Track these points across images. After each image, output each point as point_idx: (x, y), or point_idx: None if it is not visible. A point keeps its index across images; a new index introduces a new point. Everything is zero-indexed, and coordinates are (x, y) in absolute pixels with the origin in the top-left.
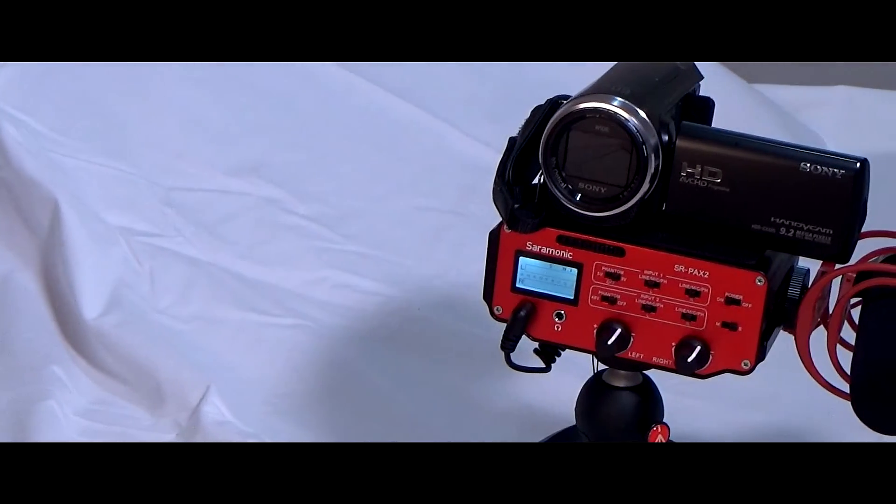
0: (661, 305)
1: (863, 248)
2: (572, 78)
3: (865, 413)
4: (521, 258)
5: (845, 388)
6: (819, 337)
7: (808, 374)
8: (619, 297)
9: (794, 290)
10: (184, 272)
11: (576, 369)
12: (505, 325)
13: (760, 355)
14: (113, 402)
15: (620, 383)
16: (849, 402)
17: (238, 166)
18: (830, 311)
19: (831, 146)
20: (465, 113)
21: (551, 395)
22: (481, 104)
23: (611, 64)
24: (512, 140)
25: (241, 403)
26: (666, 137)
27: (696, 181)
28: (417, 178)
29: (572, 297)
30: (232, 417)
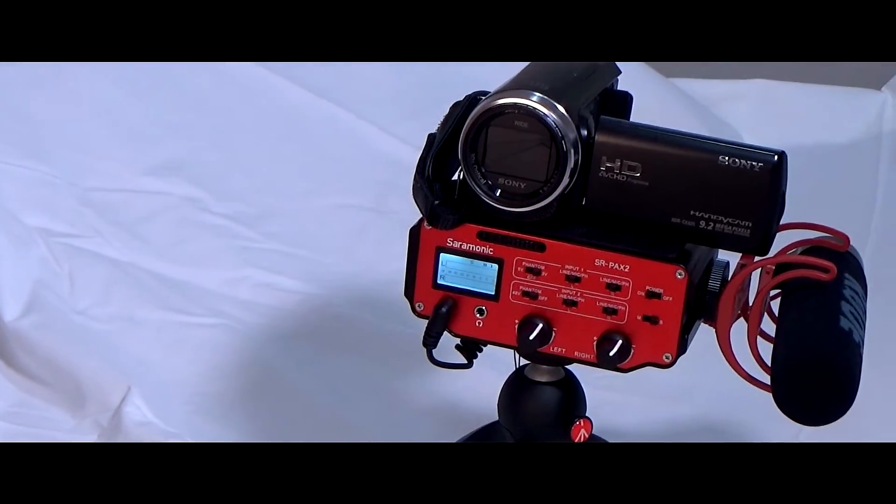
0: (582, 300)
1: (782, 240)
2: (490, 76)
3: (786, 404)
4: (441, 254)
5: (766, 379)
6: (739, 329)
7: (729, 366)
8: (540, 292)
9: (714, 283)
10: (103, 273)
11: (498, 365)
12: (426, 321)
13: (682, 348)
14: (33, 405)
15: (542, 378)
16: (770, 394)
17: (157, 166)
18: (750, 304)
19: (748, 139)
20: (384, 110)
21: (473, 390)
22: (400, 102)
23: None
24: (431, 137)
25: (163, 404)
26: (585, 132)
27: (615, 175)
28: (337, 176)
29: (493, 293)
30: (154, 418)
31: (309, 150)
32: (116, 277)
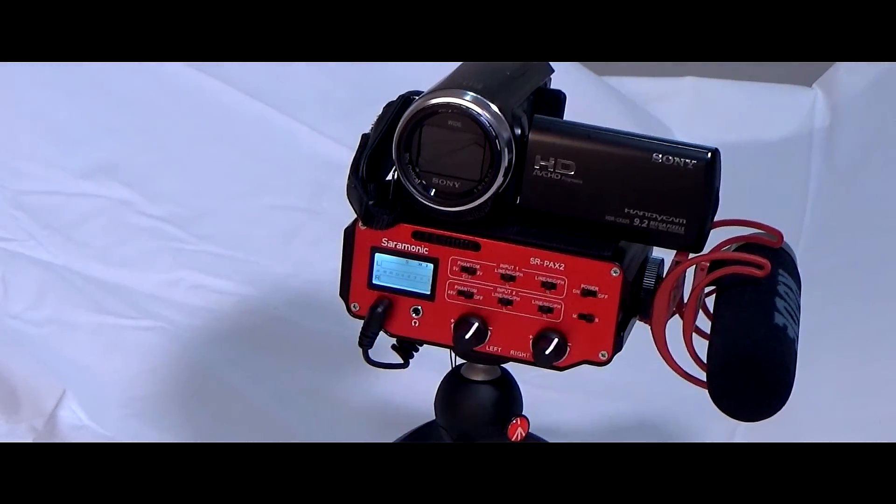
0: (518, 299)
1: (716, 237)
2: (423, 75)
3: (722, 400)
4: (376, 254)
5: (702, 376)
6: (675, 326)
7: (664, 363)
8: (475, 291)
9: (649, 281)
10: (36, 276)
11: (434, 364)
12: (362, 321)
13: (617, 346)
14: None
15: (479, 377)
16: (706, 390)
17: (89, 168)
18: (685, 301)
19: (680, 137)
20: (316, 111)
21: (410, 390)
22: (333, 102)
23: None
24: (365, 137)
25: (99, 407)
26: (519, 131)
27: (549, 174)
28: (271, 177)
29: (429, 293)
30: (89, 421)
31: (242, 151)
32: (50, 281)
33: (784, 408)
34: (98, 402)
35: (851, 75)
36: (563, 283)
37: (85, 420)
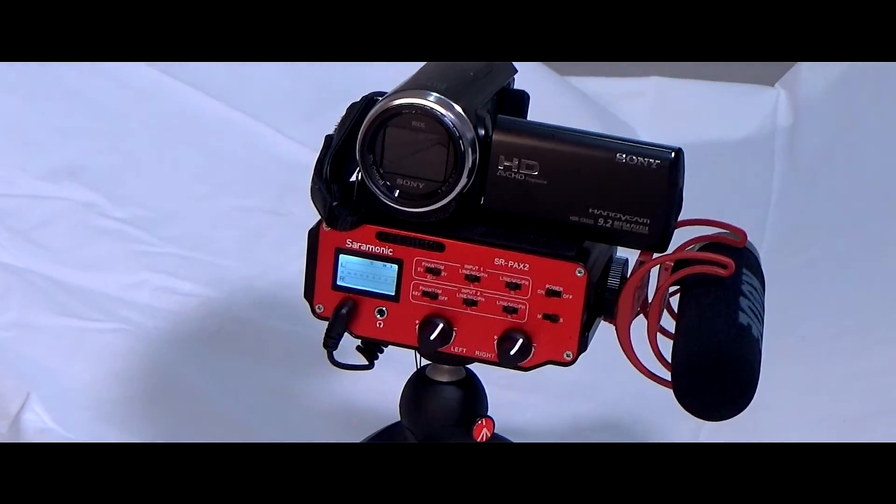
0: (483, 299)
1: (680, 236)
2: (387, 76)
3: (686, 400)
4: (340, 256)
5: (667, 375)
6: (640, 326)
7: (629, 363)
8: (440, 292)
9: (613, 281)
10: (0, 279)
11: (399, 365)
12: (327, 323)
13: (582, 346)
14: None
15: (444, 378)
16: (670, 390)
17: (52, 170)
18: (650, 301)
19: (644, 136)
20: (280, 112)
21: (375, 391)
22: (296, 103)
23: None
24: (328, 138)
25: (63, 410)
26: (482, 131)
27: (513, 174)
28: (235, 179)
29: (393, 294)
30: (54, 425)
31: (205, 153)
32: (13, 284)
33: (749, 407)
34: (62, 405)
35: (813, 75)
36: (527, 283)
37: (49, 423)
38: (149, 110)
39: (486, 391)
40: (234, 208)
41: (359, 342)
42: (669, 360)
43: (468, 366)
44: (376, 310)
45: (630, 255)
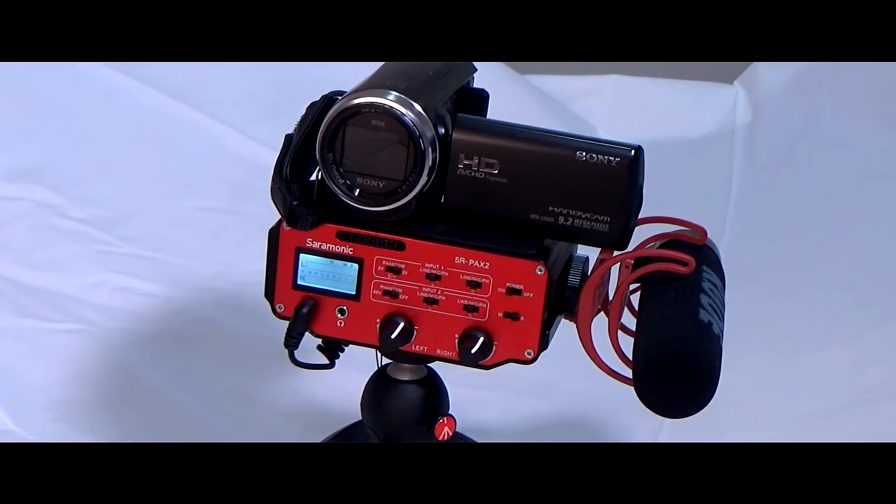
0: (444, 298)
1: (640, 234)
2: (346, 75)
3: (648, 397)
4: (301, 255)
5: (628, 373)
6: (601, 324)
7: (590, 361)
8: (400, 290)
9: (573, 279)
10: None
11: (360, 364)
12: (287, 322)
13: (543, 344)
14: None
15: (405, 377)
16: (632, 388)
17: (11, 171)
18: (611, 298)
19: (603, 135)
20: (239, 112)
21: (336, 391)
22: (256, 103)
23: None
24: (288, 137)
25: (23, 411)
26: (442, 130)
27: (473, 173)
28: (194, 179)
29: (354, 293)
30: (14, 426)
31: (165, 153)
32: None
33: (710, 404)
34: (22, 407)
35: (772, 72)
36: (488, 281)
37: (9, 425)
38: (109, 111)
39: (448, 389)
40: (193, 208)
41: (319, 341)
42: (630, 358)
43: (429, 364)
44: (337, 309)
45: (590, 252)
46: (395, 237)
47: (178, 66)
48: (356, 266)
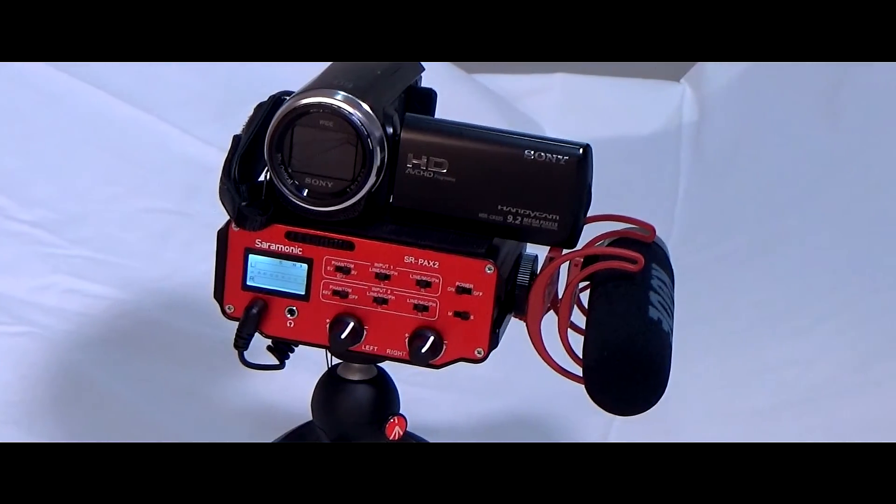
0: (393, 297)
1: (589, 232)
2: (294, 76)
3: (598, 395)
4: (250, 256)
5: (578, 371)
6: (550, 322)
7: (540, 359)
8: (350, 290)
9: (523, 277)
10: None
11: (310, 365)
12: (237, 323)
13: (493, 343)
14: None
15: (355, 377)
16: (582, 386)
17: None
18: (560, 297)
19: (551, 133)
20: (187, 113)
21: (287, 391)
22: (203, 104)
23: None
24: (236, 138)
25: None
26: (391, 129)
27: (422, 172)
28: (142, 180)
29: (303, 293)
30: None
31: (112, 154)
32: None
33: (660, 401)
34: None
35: (718, 70)
36: (437, 281)
37: None
38: (55, 112)
39: (398, 389)
40: (141, 209)
41: (269, 342)
42: (580, 356)
43: (379, 364)
44: (287, 309)
45: (540, 251)
46: (344, 237)
47: (124, 66)
48: (305, 266)
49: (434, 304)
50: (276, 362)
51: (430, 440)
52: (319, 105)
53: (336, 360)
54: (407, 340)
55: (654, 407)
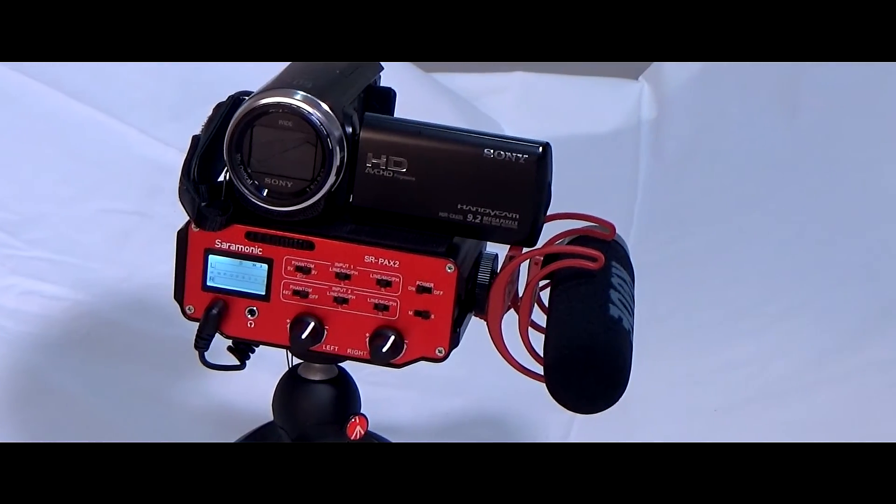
0: (354, 297)
1: (549, 231)
2: (253, 75)
3: (559, 393)
4: (210, 256)
5: (539, 370)
6: (511, 321)
7: (501, 358)
8: (310, 290)
9: (483, 276)
10: None
11: (271, 365)
12: (198, 324)
13: (454, 342)
14: None
15: (316, 377)
16: (542, 384)
17: None
18: (520, 295)
19: (510, 132)
20: (145, 113)
21: (248, 392)
22: (162, 104)
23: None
24: (195, 138)
25: None
26: (350, 129)
27: (381, 172)
28: (101, 181)
29: (264, 293)
30: None
31: (70, 155)
32: None
33: (621, 398)
34: None
35: (676, 68)
36: (398, 280)
37: None
38: (10, 112)
39: (359, 389)
40: (100, 210)
41: (230, 342)
42: (541, 354)
43: (340, 364)
44: (247, 310)
45: (500, 250)
46: (304, 237)
47: (81, 66)
48: (265, 266)
49: (394, 304)
50: (237, 363)
51: (392, 440)
52: (279, 105)
53: (297, 361)
54: (368, 340)
55: (615, 405)
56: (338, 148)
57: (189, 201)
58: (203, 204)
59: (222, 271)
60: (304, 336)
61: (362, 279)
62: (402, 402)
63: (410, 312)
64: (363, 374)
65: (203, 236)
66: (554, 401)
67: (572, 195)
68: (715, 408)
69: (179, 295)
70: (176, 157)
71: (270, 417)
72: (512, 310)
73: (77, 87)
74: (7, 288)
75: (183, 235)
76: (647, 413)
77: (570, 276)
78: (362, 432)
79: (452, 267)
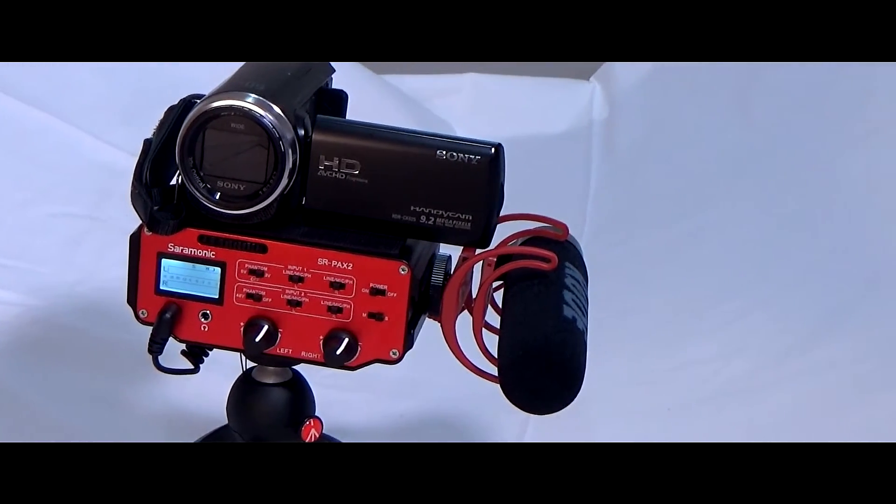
0: (307, 300)
1: (502, 231)
2: (205, 77)
3: (514, 394)
4: (163, 260)
5: (493, 371)
6: (465, 322)
7: (455, 359)
8: (264, 293)
9: (437, 278)
10: None
11: (225, 368)
12: (151, 328)
13: (408, 344)
14: None
15: (270, 380)
16: (497, 385)
17: None
18: (474, 296)
19: (461, 133)
20: (97, 117)
21: (202, 395)
22: (112, 107)
23: (241, 63)
24: (147, 142)
25: None
26: (302, 131)
27: (334, 174)
28: (52, 185)
29: (217, 297)
30: None
31: (20, 159)
32: None
33: (575, 399)
34: None
35: (627, 68)
36: (351, 282)
37: None
38: None
39: (313, 391)
40: (52, 215)
41: (184, 346)
42: (495, 356)
43: (295, 367)
44: (200, 313)
45: (453, 251)
46: (257, 240)
47: (32, 70)
48: (218, 270)
49: (348, 306)
50: (191, 366)
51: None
52: (230, 108)
53: (251, 364)
54: (321, 342)
55: (569, 405)
56: (290, 151)
57: (141, 205)
58: (156, 208)
59: (175, 275)
60: (257, 339)
61: (315, 282)
62: (356, 404)
63: (364, 314)
64: (318, 377)
65: (156, 240)
66: (508, 402)
67: (525, 196)
68: (668, 407)
69: (132, 299)
70: (128, 161)
71: (225, 421)
72: (466, 311)
73: (28, 91)
74: None
75: (135, 239)
76: (602, 413)
77: (523, 277)
78: (317, 435)
79: (406, 269)
